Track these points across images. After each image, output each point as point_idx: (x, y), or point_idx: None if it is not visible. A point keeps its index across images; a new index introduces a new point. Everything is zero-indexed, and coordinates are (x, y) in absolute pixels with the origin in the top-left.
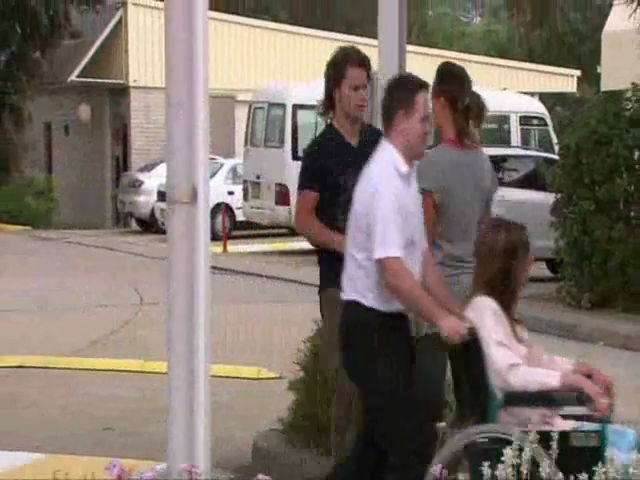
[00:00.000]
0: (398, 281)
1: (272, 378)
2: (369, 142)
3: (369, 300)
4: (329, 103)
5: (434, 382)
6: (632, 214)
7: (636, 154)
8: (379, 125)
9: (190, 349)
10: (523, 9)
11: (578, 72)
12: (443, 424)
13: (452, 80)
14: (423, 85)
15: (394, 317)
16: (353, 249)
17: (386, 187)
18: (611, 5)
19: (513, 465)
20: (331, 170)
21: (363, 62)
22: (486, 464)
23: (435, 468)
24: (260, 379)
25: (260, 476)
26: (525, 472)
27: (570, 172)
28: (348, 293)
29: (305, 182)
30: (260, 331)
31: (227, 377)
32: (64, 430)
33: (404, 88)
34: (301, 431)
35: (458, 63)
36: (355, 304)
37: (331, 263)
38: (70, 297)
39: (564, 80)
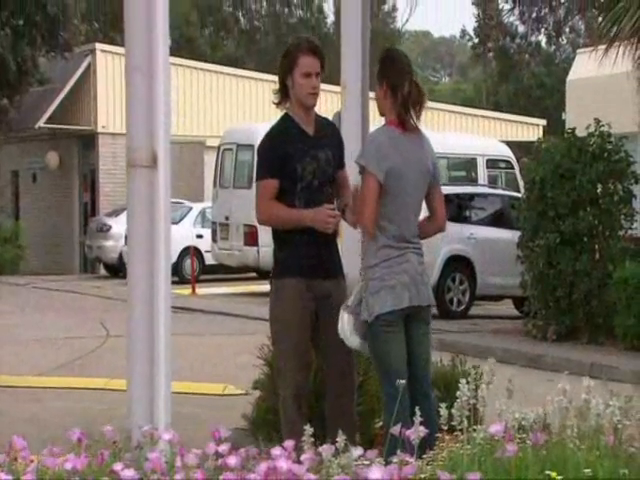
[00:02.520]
0: None
1: (238, 394)
2: (324, 132)
3: None
4: (284, 92)
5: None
6: (596, 247)
7: (599, 188)
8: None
9: (150, 296)
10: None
11: (544, 122)
12: None
13: (393, 67)
14: None
15: None
16: None
17: None
18: (574, 50)
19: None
20: (290, 156)
21: (315, 50)
22: None
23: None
24: (226, 395)
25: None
26: None
27: (535, 206)
28: None
29: (264, 171)
30: (225, 357)
31: (193, 393)
32: (27, 435)
33: None
34: (265, 425)
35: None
36: None
37: (294, 249)
38: (38, 331)
39: (530, 129)
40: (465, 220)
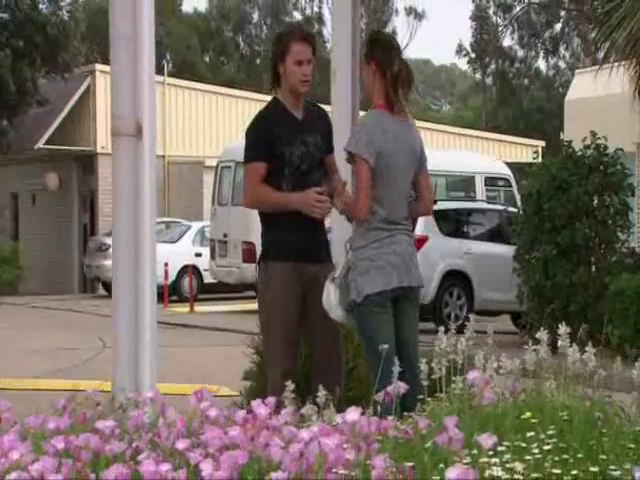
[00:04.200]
0: None
1: (231, 395)
2: (313, 116)
3: None
4: (275, 78)
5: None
6: (593, 259)
7: (595, 200)
8: None
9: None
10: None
11: (543, 143)
12: None
13: (381, 48)
14: None
15: None
16: None
17: None
18: (573, 74)
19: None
20: (279, 138)
21: (307, 37)
22: None
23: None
24: (219, 396)
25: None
26: None
27: (531, 218)
28: None
29: (252, 154)
30: (221, 366)
31: (185, 395)
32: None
33: None
34: None
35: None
36: None
37: (280, 233)
38: (35, 343)
39: (530, 151)
40: (463, 235)
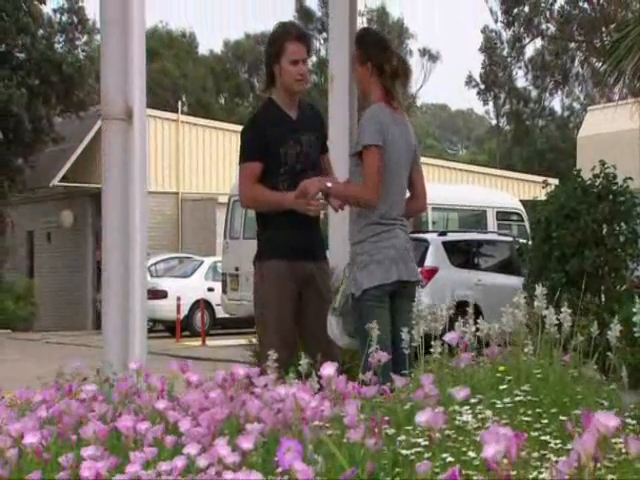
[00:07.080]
0: None
1: None
2: (307, 116)
3: None
4: (270, 79)
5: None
6: (602, 287)
7: (604, 228)
8: None
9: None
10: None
11: (556, 181)
12: None
13: (375, 45)
14: None
15: None
16: None
17: None
18: (586, 110)
19: None
20: (273, 138)
21: (301, 36)
22: None
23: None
24: None
25: None
26: None
27: (540, 246)
28: None
29: (247, 154)
30: None
31: None
32: None
33: None
34: None
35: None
36: None
37: (275, 232)
38: (43, 370)
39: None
40: (473, 266)
